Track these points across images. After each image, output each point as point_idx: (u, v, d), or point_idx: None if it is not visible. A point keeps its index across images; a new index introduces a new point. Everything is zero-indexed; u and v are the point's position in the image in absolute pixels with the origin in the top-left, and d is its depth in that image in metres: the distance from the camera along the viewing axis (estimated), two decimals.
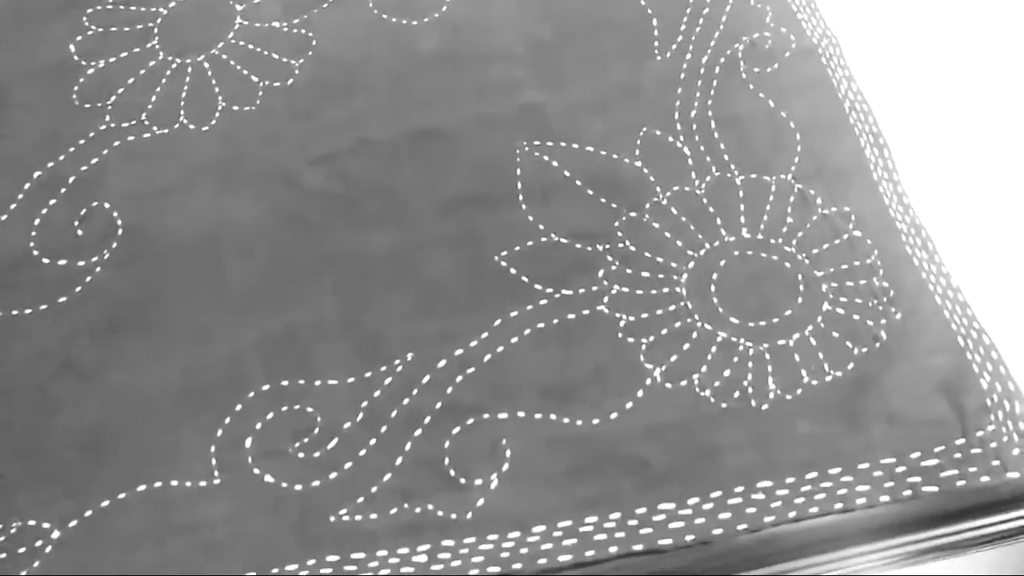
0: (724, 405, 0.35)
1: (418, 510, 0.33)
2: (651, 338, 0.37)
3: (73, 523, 0.33)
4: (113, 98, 0.43)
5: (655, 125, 0.42)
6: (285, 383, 0.36)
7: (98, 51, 0.45)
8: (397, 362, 0.36)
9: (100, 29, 0.46)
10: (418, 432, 0.35)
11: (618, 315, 0.37)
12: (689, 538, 0.33)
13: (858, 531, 0.33)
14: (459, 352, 0.36)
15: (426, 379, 0.36)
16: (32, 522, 0.33)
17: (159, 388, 0.36)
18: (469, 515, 0.33)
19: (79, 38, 0.45)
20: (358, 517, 0.33)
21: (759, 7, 0.46)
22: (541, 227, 0.39)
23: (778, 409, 0.35)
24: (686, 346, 0.36)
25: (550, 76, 0.44)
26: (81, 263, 0.39)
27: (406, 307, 0.38)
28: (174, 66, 0.44)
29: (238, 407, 0.35)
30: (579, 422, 0.35)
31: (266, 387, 0.36)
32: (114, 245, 0.39)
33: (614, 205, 0.40)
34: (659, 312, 0.37)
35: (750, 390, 0.35)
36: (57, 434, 0.35)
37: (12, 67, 0.45)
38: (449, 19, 0.46)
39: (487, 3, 0.46)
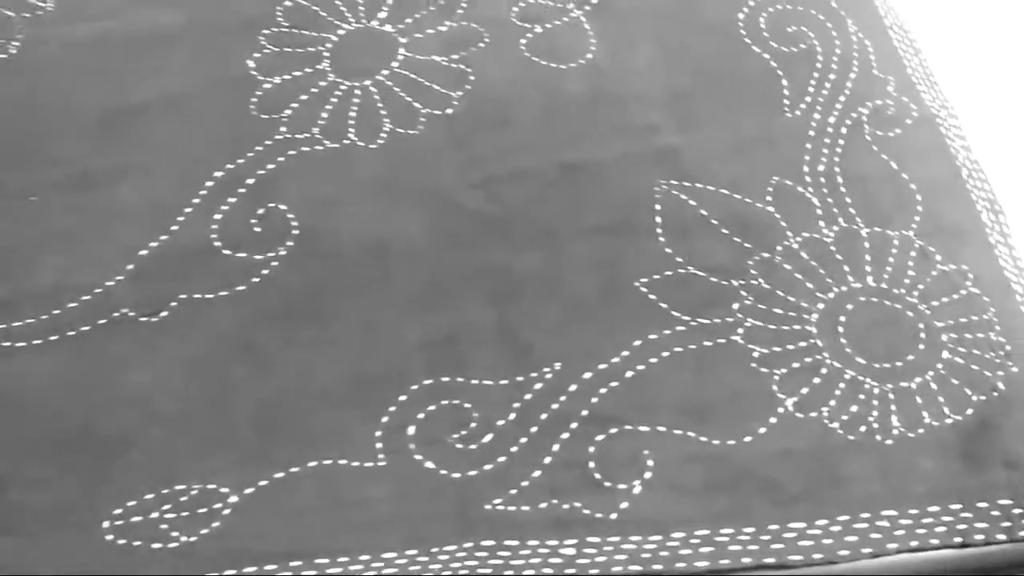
0: (851, 437, 0.38)
1: (566, 507, 0.36)
2: (783, 370, 0.39)
3: (249, 490, 0.36)
4: (287, 112, 0.48)
5: (785, 175, 0.46)
6: (445, 379, 0.39)
7: (274, 68, 0.49)
8: (546, 370, 0.39)
9: (276, 48, 0.50)
10: (565, 435, 0.38)
11: (752, 347, 0.40)
12: (816, 556, 0.35)
13: (977, 566, 0.36)
14: (602, 366, 0.39)
15: (573, 388, 0.39)
16: (212, 485, 0.37)
17: (330, 374, 0.39)
18: (613, 516, 0.36)
19: (257, 55, 0.50)
20: (511, 508, 0.36)
21: (882, 76, 0.50)
22: (679, 259, 0.43)
23: (902, 445, 0.38)
24: (816, 380, 0.39)
25: (686, 121, 0.48)
26: (258, 256, 0.43)
27: (553, 321, 0.41)
28: (343, 87, 0.49)
29: (402, 397, 0.39)
30: (715, 441, 0.38)
31: (428, 381, 0.39)
32: (289, 243, 0.43)
33: (747, 245, 0.43)
34: (790, 347, 0.40)
35: (875, 425, 0.38)
36: (237, 408, 0.38)
37: (196, 77, 0.49)
38: (594, 64, 0.50)
39: (628, 52, 0.50)
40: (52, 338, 0.40)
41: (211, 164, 0.46)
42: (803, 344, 0.40)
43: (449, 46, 0.50)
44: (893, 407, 0.39)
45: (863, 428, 0.38)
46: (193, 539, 0.35)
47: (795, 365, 0.40)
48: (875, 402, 0.39)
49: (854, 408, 0.38)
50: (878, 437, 0.38)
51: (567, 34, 0.51)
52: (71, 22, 0.51)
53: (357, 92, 0.48)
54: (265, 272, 0.42)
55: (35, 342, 0.40)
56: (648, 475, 0.37)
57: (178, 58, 0.50)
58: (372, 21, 0.51)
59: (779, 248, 0.43)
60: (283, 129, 0.47)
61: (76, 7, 0.52)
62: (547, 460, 0.37)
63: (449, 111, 0.48)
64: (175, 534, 0.36)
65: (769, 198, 0.45)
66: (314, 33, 0.51)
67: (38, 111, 0.48)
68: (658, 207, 0.44)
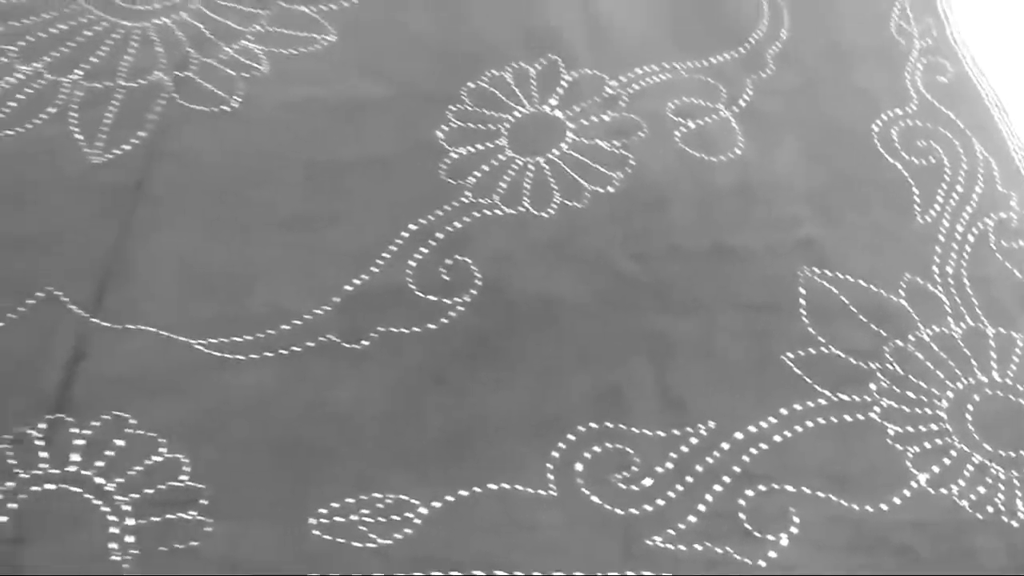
0: (979, 516, 0.41)
1: (719, 550, 0.40)
2: (916, 449, 0.44)
3: (437, 504, 0.41)
4: (471, 179, 0.54)
5: (917, 273, 0.50)
6: (609, 425, 0.44)
7: (459, 140, 0.56)
8: (701, 426, 0.44)
9: (461, 124, 0.57)
10: (718, 487, 0.42)
11: (887, 425, 0.44)
12: None
13: None
14: (752, 429, 0.44)
15: (725, 446, 0.43)
16: (404, 496, 0.42)
17: (508, 410, 0.44)
18: (762, 563, 0.40)
19: (445, 128, 0.57)
20: (668, 546, 0.40)
21: (1005, 192, 0.55)
22: (820, 339, 0.47)
23: None
24: (946, 461, 0.43)
25: (826, 216, 0.53)
26: (447, 301, 0.49)
27: (707, 382, 0.46)
28: (519, 162, 0.55)
29: (571, 436, 0.44)
30: (855, 506, 0.42)
31: (594, 425, 0.44)
32: (473, 292, 0.49)
33: (883, 332, 0.48)
34: (923, 428, 0.44)
35: (1002, 507, 0.42)
36: (428, 431, 0.44)
37: (393, 142, 0.56)
38: (742, 159, 0.56)
39: (773, 150, 0.56)
40: (267, 354, 0.46)
41: (406, 218, 0.52)
42: (934, 427, 0.44)
43: (612, 133, 0.57)
44: (1018, 492, 0.42)
45: (990, 508, 0.42)
46: (388, 542, 0.40)
47: (927, 445, 0.44)
48: (1001, 486, 0.42)
49: (982, 489, 0.42)
50: (1004, 518, 0.41)
51: (717, 130, 0.57)
52: (284, 84, 0.59)
53: (531, 167, 0.55)
54: (452, 315, 0.48)
55: (252, 356, 0.46)
56: (794, 530, 0.41)
57: (377, 124, 0.57)
58: (544, 106, 0.58)
59: (911, 338, 0.48)
60: (468, 193, 0.53)
61: (289, 72, 0.60)
62: (702, 507, 0.42)
63: (611, 189, 0.54)
64: (372, 536, 0.41)
65: (902, 292, 0.50)
66: (494, 113, 0.58)
67: (255, 159, 0.55)
68: (802, 290, 0.49)
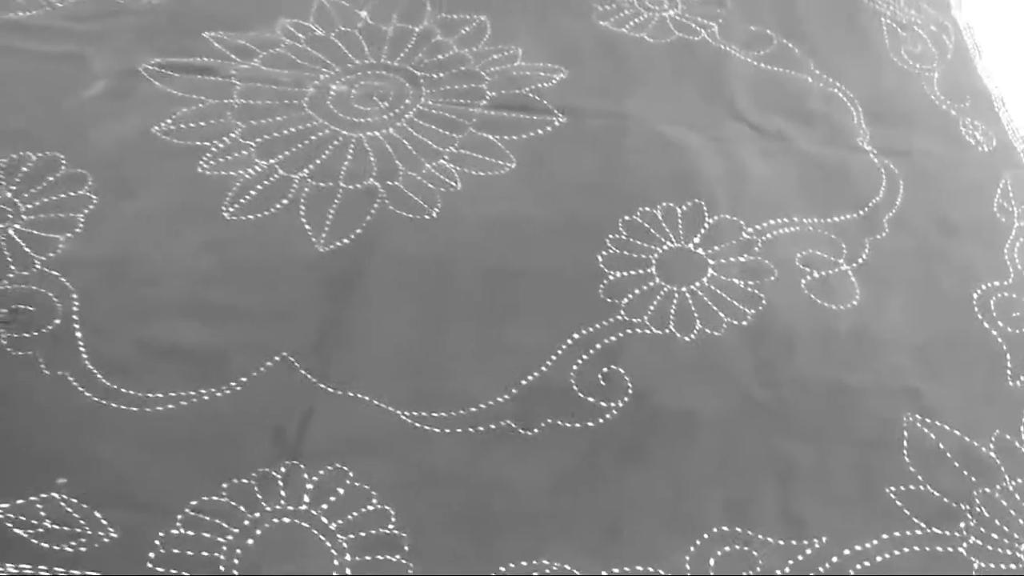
0: None
1: None
2: None
3: None
4: (625, 300, 0.65)
5: (1006, 429, 0.59)
6: (739, 530, 0.53)
7: (616, 265, 0.67)
8: (816, 540, 0.53)
9: (617, 251, 0.68)
10: None
11: (973, 559, 0.52)
12: None
13: None
14: (858, 547, 0.53)
15: (835, 559, 0.52)
16: (567, 566, 0.51)
17: (653, 505, 0.54)
18: None
19: (604, 253, 0.68)
20: None
21: None
22: (919, 478, 0.56)
23: None
24: None
25: (929, 370, 0.62)
26: (603, 403, 0.59)
27: (823, 503, 0.54)
28: (665, 290, 0.65)
29: (705, 535, 0.53)
30: None
31: (726, 528, 0.53)
32: (625, 399, 0.59)
33: (974, 479, 0.56)
34: (1003, 567, 0.52)
35: None
36: (587, 512, 0.54)
37: (559, 261, 0.67)
38: (859, 310, 0.65)
39: (886, 305, 0.65)
40: (458, 430, 0.57)
41: (570, 327, 0.63)
42: (1014, 567, 0.52)
43: (747, 274, 0.67)
44: None
45: None
46: None
47: None
48: None
49: None
50: None
51: (838, 282, 0.67)
52: (474, 202, 0.70)
53: (675, 296, 0.65)
54: (608, 416, 0.58)
55: (446, 431, 0.57)
56: None
57: (549, 244, 0.68)
58: (688, 243, 0.69)
59: (999, 487, 0.56)
60: (622, 312, 0.64)
61: (478, 191, 0.71)
62: None
63: (744, 323, 0.64)
64: None
65: (992, 445, 0.58)
66: (646, 244, 0.68)
67: (449, 262, 0.66)
68: (905, 433, 0.58)
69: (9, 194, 0.69)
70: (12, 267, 0.64)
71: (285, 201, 0.70)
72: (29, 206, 0.68)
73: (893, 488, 0.55)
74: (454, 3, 0.87)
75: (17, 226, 0.67)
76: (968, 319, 0.65)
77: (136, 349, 0.60)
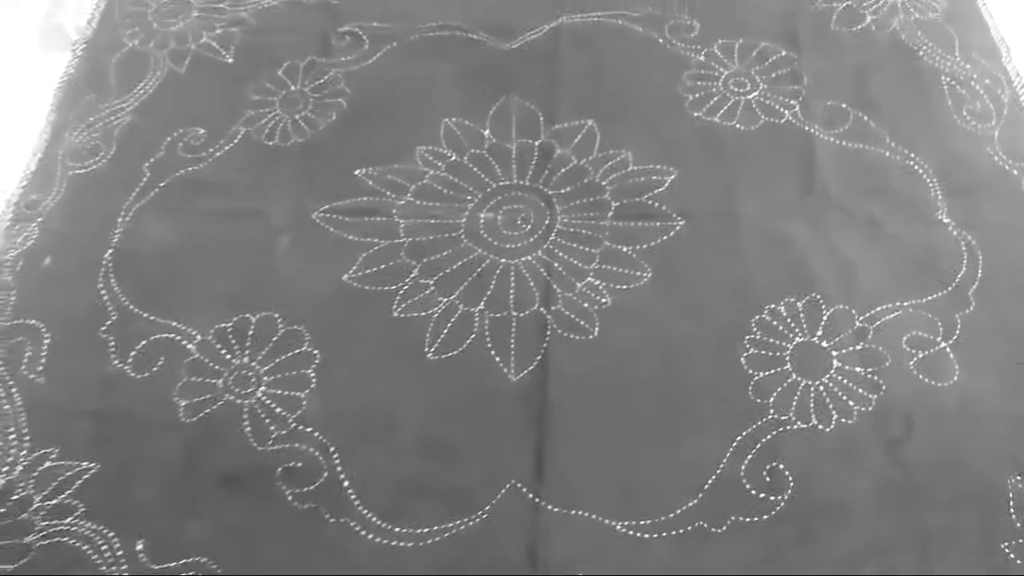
0: None
1: None
2: None
3: None
4: (771, 398, 0.79)
5: None
6: None
7: (758, 366, 0.81)
8: None
9: (756, 351, 0.82)
10: None
11: None
12: None
13: None
14: None
15: None
16: None
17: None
18: None
19: (745, 356, 0.82)
20: None
21: None
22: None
23: None
24: None
25: (1022, 436, 0.77)
26: (772, 497, 0.74)
27: (958, 564, 0.70)
28: (803, 384, 0.80)
29: None
30: None
31: None
32: (789, 491, 0.74)
33: None
34: None
35: None
36: None
37: (712, 371, 0.81)
38: (960, 385, 0.79)
39: (982, 379, 0.79)
40: (663, 534, 0.72)
41: (731, 431, 0.77)
42: None
43: (865, 362, 0.81)
44: None
45: None
46: None
47: None
48: None
49: None
50: None
51: (940, 360, 0.81)
52: (625, 319, 0.83)
53: (811, 389, 0.80)
54: (778, 509, 0.73)
55: (653, 536, 0.72)
56: None
57: (698, 353, 0.82)
58: (813, 337, 0.82)
59: None
60: (772, 411, 0.78)
61: (625, 306, 0.84)
62: None
63: (870, 409, 0.78)
64: None
65: None
66: (778, 342, 0.82)
67: (619, 382, 0.80)
68: (1011, 494, 0.73)
69: (246, 359, 0.82)
70: (272, 428, 0.79)
71: (473, 335, 0.83)
72: (265, 367, 0.82)
73: (1006, 543, 0.71)
74: (561, 111, 0.98)
75: (263, 388, 0.81)
76: None
77: (397, 493, 0.75)
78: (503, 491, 0.75)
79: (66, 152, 0.97)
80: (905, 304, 0.84)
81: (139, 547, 0.73)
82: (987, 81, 1.01)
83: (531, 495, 0.75)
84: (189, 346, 0.83)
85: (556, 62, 1.04)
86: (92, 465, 0.77)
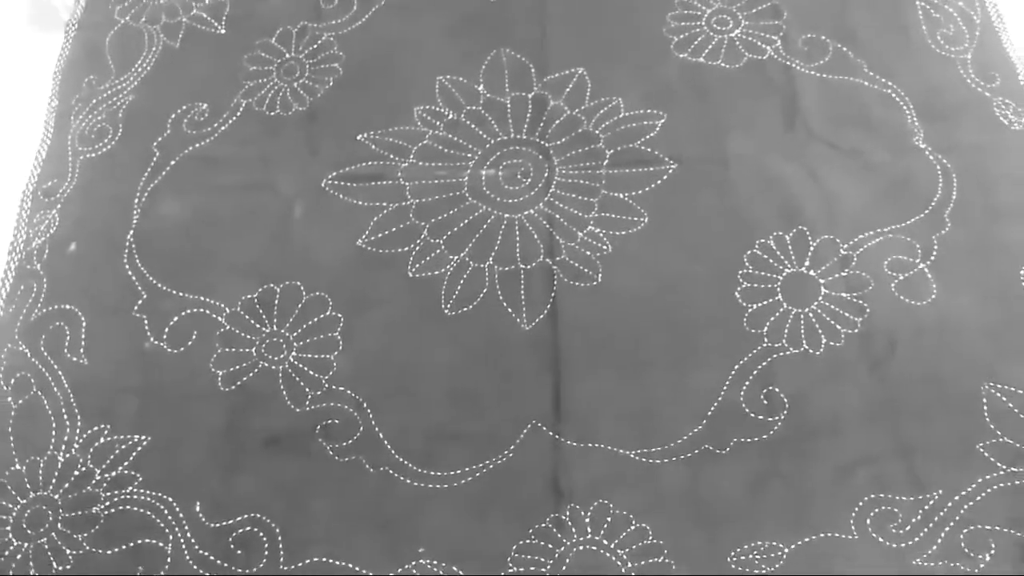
0: None
1: None
2: None
3: (794, 545, 0.75)
4: (765, 328, 0.85)
5: None
6: (883, 495, 0.77)
7: (751, 298, 0.87)
8: (936, 493, 0.77)
9: (750, 285, 0.88)
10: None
11: None
12: None
13: None
14: (963, 492, 0.77)
15: (956, 496, 0.76)
16: (773, 542, 0.76)
17: (821, 486, 0.78)
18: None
19: (739, 289, 0.87)
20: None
21: None
22: (998, 432, 0.79)
23: None
24: None
25: (1001, 349, 0.83)
26: (769, 419, 0.81)
27: (939, 459, 0.78)
28: (793, 312, 0.86)
29: (862, 501, 0.77)
30: None
31: (875, 495, 0.77)
32: (784, 412, 0.81)
33: None
34: None
35: None
36: (778, 503, 0.77)
37: (711, 305, 0.87)
38: (937, 303, 0.86)
39: (959, 295, 0.86)
40: (674, 459, 0.80)
41: (730, 360, 0.84)
42: None
43: (850, 287, 0.87)
44: None
45: None
46: (769, 570, 0.75)
47: None
48: None
49: None
50: None
51: (919, 281, 0.87)
52: (627, 263, 0.89)
53: (802, 317, 0.86)
54: (776, 429, 0.81)
55: (665, 461, 0.80)
56: None
57: (698, 290, 0.88)
58: (801, 267, 0.88)
59: None
60: (766, 339, 0.85)
61: (626, 251, 0.90)
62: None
63: (856, 331, 0.85)
64: (763, 565, 0.75)
65: None
66: (769, 274, 0.88)
67: (626, 321, 0.86)
68: (984, 400, 0.81)
69: (275, 327, 0.88)
70: (307, 390, 0.85)
71: (485, 290, 0.89)
72: (294, 333, 0.87)
73: (981, 444, 0.79)
74: (552, 61, 1.01)
75: (294, 354, 0.87)
76: (1020, 294, 0.86)
77: (428, 440, 0.82)
78: (525, 431, 0.82)
79: (75, 136, 1.00)
80: (885, 230, 0.90)
81: (197, 508, 0.80)
82: (960, 3, 1.04)
83: (551, 433, 0.82)
84: (219, 319, 0.88)
85: (543, 10, 1.06)
86: (143, 438, 0.83)
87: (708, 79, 1.00)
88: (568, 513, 0.78)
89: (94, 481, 0.81)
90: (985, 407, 0.81)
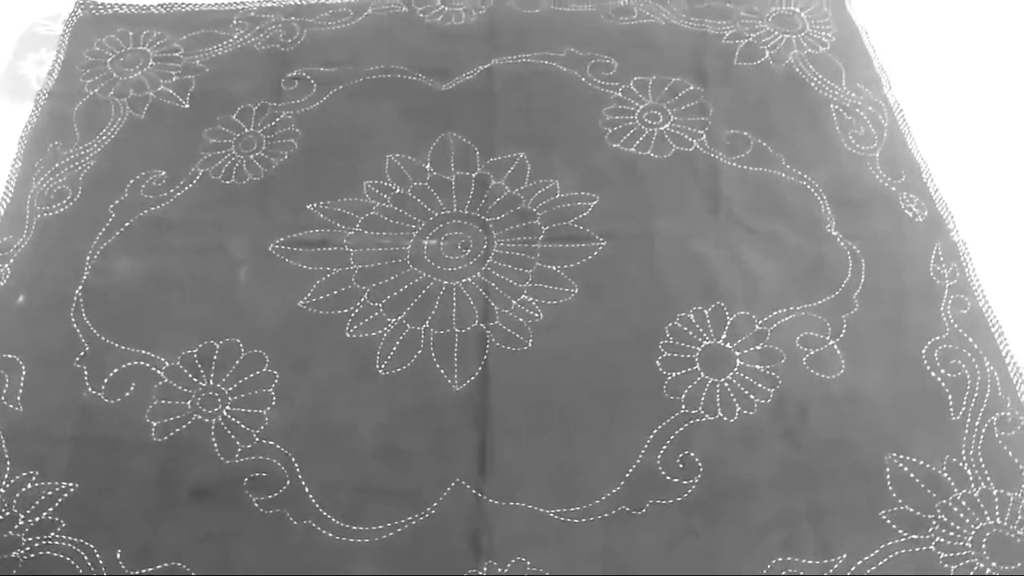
0: None
1: None
2: (957, 565, 0.79)
3: None
4: (683, 395, 0.90)
5: (952, 454, 0.86)
6: (790, 558, 0.80)
7: (671, 367, 0.91)
8: (840, 556, 0.80)
9: (670, 354, 0.92)
10: None
11: (940, 552, 0.80)
12: None
13: None
14: (866, 557, 0.80)
15: (860, 560, 0.79)
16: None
17: (735, 544, 0.80)
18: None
19: (660, 359, 0.92)
20: None
21: (1003, 396, 0.90)
22: (899, 500, 0.83)
23: None
24: (970, 573, 0.79)
25: (903, 416, 0.88)
26: (685, 481, 0.84)
27: (846, 524, 0.81)
28: (709, 382, 0.91)
29: (769, 566, 0.79)
30: None
31: (783, 558, 0.80)
32: (699, 476, 0.84)
33: (934, 494, 0.83)
34: (957, 554, 0.80)
35: None
36: (687, 563, 0.79)
37: (633, 374, 0.91)
38: (845, 378, 0.91)
39: (866, 370, 0.91)
40: (591, 519, 0.82)
41: (650, 424, 0.88)
42: (964, 552, 0.80)
43: (764, 359, 0.92)
44: None
45: None
46: None
47: (961, 564, 0.79)
48: None
49: None
50: None
51: (828, 356, 0.92)
52: (557, 330, 0.94)
53: (718, 386, 0.90)
54: (690, 491, 0.84)
55: (583, 520, 0.82)
56: None
57: (619, 359, 0.92)
58: (719, 340, 0.94)
59: (950, 499, 0.83)
60: (683, 406, 0.89)
61: (556, 320, 0.95)
62: None
63: (768, 401, 0.89)
64: None
65: (944, 468, 0.85)
66: (688, 345, 0.93)
67: (553, 387, 0.90)
68: (887, 469, 0.85)
69: (212, 381, 0.90)
70: (238, 443, 0.87)
71: (420, 351, 0.92)
72: (230, 388, 0.90)
73: (884, 511, 0.83)
74: (495, 146, 1.09)
75: (228, 407, 0.89)
76: (921, 371, 0.92)
77: (354, 495, 0.84)
78: (449, 489, 0.84)
79: (34, 196, 1.04)
80: (798, 308, 0.96)
81: (118, 555, 0.80)
82: (870, 108, 1.14)
83: (474, 491, 0.84)
84: (159, 372, 0.91)
85: (490, 101, 1.14)
86: (70, 485, 0.84)
87: (639, 166, 1.08)
88: (485, 569, 0.80)
89: (16, 526, 0.82)
90: (888, 476, 0.85)
